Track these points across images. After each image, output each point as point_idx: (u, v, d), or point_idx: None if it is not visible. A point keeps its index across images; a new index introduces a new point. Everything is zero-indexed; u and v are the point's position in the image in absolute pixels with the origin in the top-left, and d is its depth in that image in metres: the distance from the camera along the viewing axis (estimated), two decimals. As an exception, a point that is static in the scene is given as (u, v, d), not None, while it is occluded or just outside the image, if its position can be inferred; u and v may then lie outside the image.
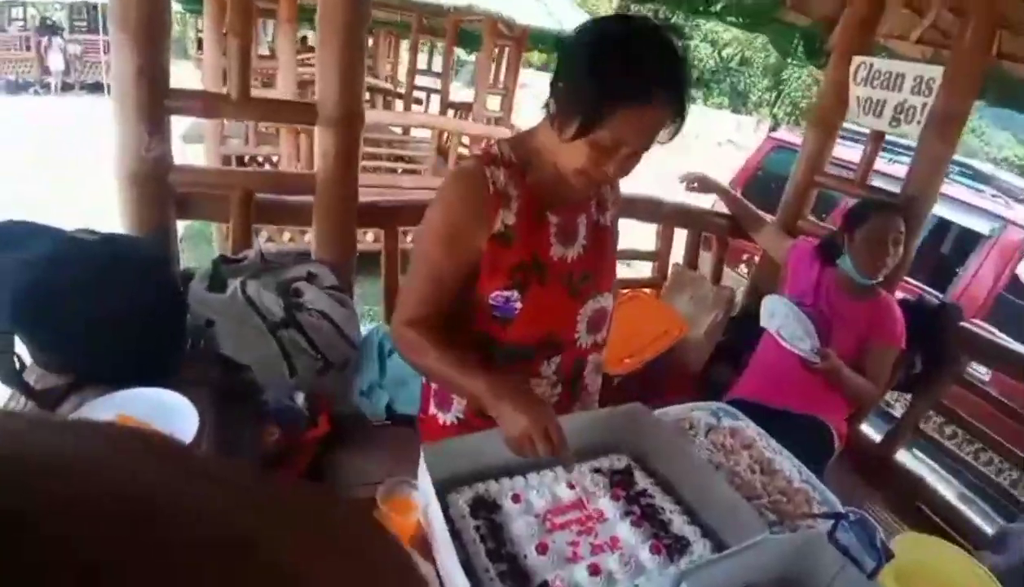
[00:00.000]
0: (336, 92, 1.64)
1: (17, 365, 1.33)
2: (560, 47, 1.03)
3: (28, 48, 10.51)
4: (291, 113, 1.89)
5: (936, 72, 1.91)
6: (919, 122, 1.90)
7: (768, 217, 2.44)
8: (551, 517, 1.07)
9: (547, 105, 1.01)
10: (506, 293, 1.08)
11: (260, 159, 4.87)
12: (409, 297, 1.12)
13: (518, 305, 1.09)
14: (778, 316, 1.92)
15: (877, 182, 2.29)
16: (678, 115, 0.96)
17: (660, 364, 2.20)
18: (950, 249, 4.18)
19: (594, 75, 0.92)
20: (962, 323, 2.06)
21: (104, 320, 1.37)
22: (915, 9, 2.22)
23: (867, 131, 2.21)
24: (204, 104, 1.62)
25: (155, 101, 1.52)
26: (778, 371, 1.94)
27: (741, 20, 2.31)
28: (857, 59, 2.06)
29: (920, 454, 2.31)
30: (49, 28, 11.06)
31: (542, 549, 0.98)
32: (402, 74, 7.40)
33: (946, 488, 2.01)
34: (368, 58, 7.94)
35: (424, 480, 1.02)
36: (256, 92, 4.37)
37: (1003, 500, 2.03)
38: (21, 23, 11.63)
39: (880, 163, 2.36)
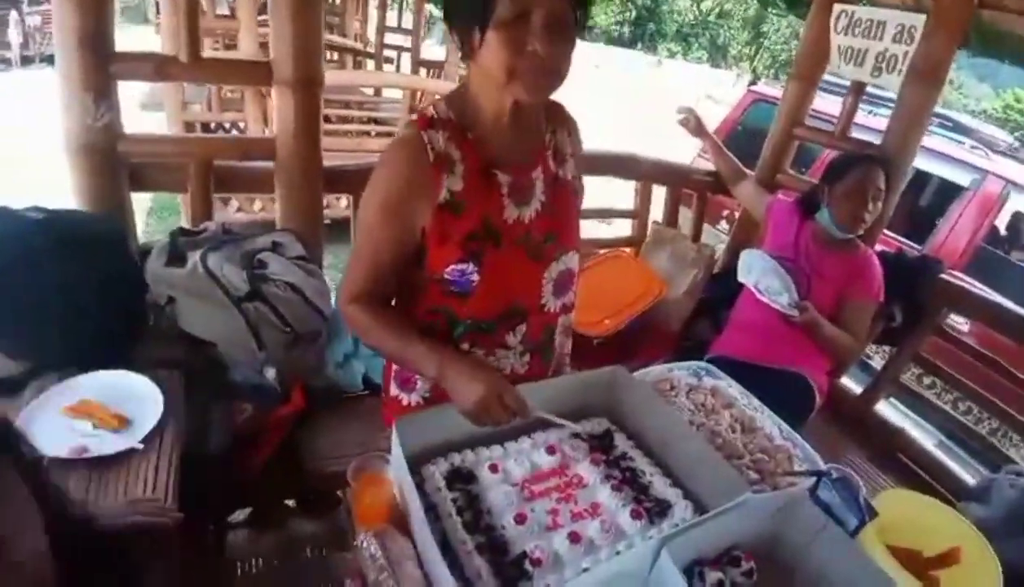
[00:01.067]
0: (292, 51, 1.55)
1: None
2: None
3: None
4: (245, 74, 1.78)
5: (918, 20, 1.86)
6: (900, 72, 1.86)
7: (749, 172, 2.40)
8: (530, 485, 1.05)
9: (455, 44, 0.96)
10: (461, 266, 1.00)
11: (227, 126, 4.68)
12: (352, 274, 1.06)
13: (475, 277, 1.01)
14: (755, 270, 1.90)
15: (859, 136, 2.25)
16: None
17: (640, 324, 2.19)
18: (929, 201, 4.18)
19: None
20: (942, 275, 2.06)
21: (57, 302, 1.31)
22: (898, -46, 2.15)
23: (849, 83, 2.16)
24: (152, 67, 1.51)
25: (100, 66, 1.42)
26: (758, 326, 1.93)
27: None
28: (838, 6, 1.99)
29: (899, 405, 2.34)
30: (7, 1, 10.47)
31: (520, 519, 0.96)
32: (372, 33, 7.11)
33: (926, 438, 2.03)
34: (336, 16, 7.58)
35: (397, 455, 0.99)
36: (218, 54, 4.17)
37: (982, 449, 2.07)
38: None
39: (861, 116, 2.32)
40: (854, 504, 0.93)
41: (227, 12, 4.60)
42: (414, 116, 1.00)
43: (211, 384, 1.51)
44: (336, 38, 7.05)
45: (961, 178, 3.62)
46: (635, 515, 1.00)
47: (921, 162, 3.38)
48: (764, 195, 2.24)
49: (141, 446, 1.15)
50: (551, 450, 1.12)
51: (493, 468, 1.06)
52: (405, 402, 1.18)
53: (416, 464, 1.04)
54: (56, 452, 1.09)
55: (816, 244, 1.93)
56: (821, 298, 1.86)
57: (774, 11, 2.30)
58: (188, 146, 1.73)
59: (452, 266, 1.01)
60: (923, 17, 1.85)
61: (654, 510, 1.03)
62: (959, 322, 2.81)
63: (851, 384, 2.20)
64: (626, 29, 22.47)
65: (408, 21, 6.82)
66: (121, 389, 1.28)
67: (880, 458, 1.84)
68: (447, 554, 0.91)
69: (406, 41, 6.66)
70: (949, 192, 3.71)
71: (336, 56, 6.43)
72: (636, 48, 21.55)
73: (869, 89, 2.18)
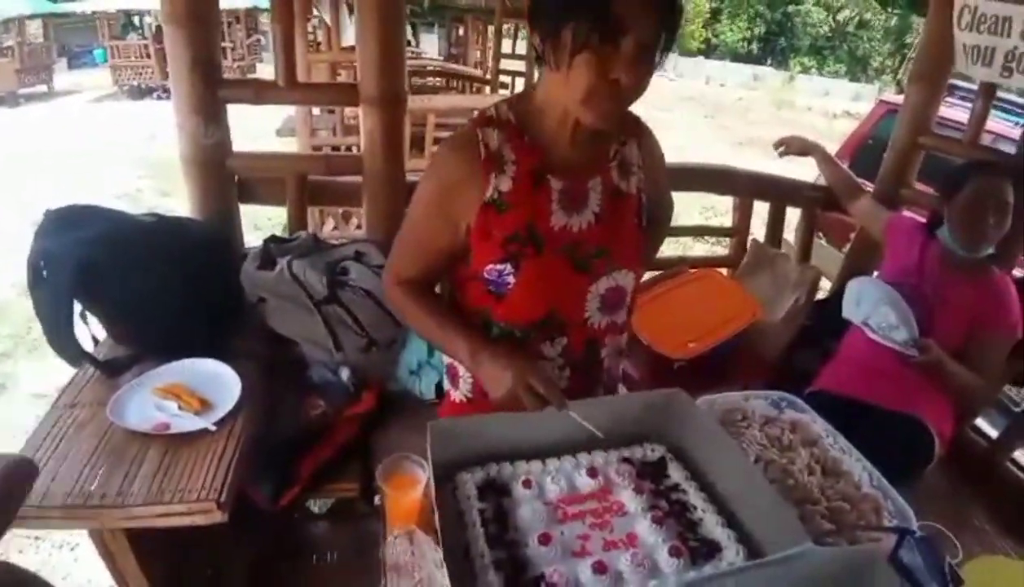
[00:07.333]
0: (376, 72, 1.65)
1: (91, 338, 1.46)
2: None
3: (148, 56, 11.10)
4: (335, 95, 1.94)
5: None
6: (1032, 72, 1.60)
7: (868, 187, 2.16)
8: (564, 506, 1.00)
9: (539, 55, 0.92)
10: (499, 266, 1.00)
11: (352, 148, 5.06)
12: (394, 258, 1.10)
13: (511, 280, 1.01)
14: (867, 302, 1.68)
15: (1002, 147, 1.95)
16: None
17: (730, 350, 2.02)
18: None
19: None
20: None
21: (162, 298, 1.45)
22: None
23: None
24: (254, 91, 1.69)
25: (209, 91, 1.60)
26: (869, 362, 1.71)
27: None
28: (959, 1, 1.76)
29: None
30: (166, 37, 12.04)
31: (545, 539, 0.92)
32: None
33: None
34: (459, 47, 7.95)
35: (428, 460, 0.99)
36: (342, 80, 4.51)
37: None
38: (139, 32, 12.47)
39: (1004, 127, 2.01)
40: (936, 570, 0.78)
41: (351, 44, 5.01)
42: (475, 114, 1.02)
43: (289, 379, 1.62)
44: (455, 66, 7.45)
45: None
46: (674, 552, 0.91)
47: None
48: (883, 212, 2.00)
49: (215, 428, 1.25)
50: (592, 472, 1.06)
51: (527, 483, 1.02)
52: (453, 398, 1.20)
53: (451, 470, 1.03)
54: (142, 427, 1.22)
55: (942, 267, 1.68)
56: (946, 329, 1.62)
57: (895, 11, 2.07)
58: (286, 162, 1.89)
59: (491, 265, 1.01)
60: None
61: (700, 550, 0.94)
62: None
63: (987, 428, 1.88)
64: (754, 45, 21.44)
65: (522, 48, 7.06)
66: (208, 376, 1.40)
67: (1009, 522, 1.54)
68: (466, 564, 0.89)
69: (521, 67, 6.88)
70: None
71: (457, 83, 6.78)
72: (766, 64, 20.45)
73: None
